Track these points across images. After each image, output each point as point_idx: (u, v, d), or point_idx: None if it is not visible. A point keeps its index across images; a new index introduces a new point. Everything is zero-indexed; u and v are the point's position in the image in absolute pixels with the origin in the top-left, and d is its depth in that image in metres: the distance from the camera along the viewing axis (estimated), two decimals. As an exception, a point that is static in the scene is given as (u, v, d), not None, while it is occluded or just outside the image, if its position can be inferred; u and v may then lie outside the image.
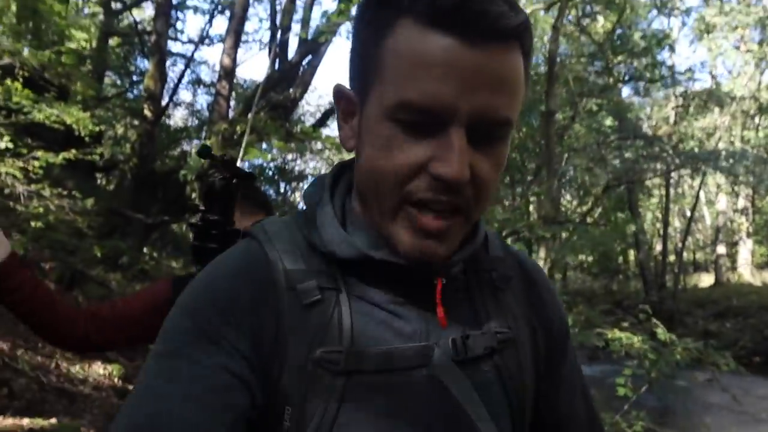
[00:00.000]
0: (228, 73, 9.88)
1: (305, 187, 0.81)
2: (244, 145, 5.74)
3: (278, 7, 11.70)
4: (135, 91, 13.89)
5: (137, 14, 15.17)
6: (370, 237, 0.70)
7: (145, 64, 15.19)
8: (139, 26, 15.02)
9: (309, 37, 9.47)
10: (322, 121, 13.05)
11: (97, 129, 7.72)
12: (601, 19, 15.82)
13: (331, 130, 15.02)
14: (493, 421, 0.68)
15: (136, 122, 9.71)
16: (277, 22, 11.14)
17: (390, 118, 0.62)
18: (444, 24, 0.59)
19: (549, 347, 0.82)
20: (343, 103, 0.71)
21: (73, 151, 7.21)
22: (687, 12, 16.52)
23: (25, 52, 6.84)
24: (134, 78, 14.80)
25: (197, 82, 14.05)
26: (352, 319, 0.67)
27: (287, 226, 0.74)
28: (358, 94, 0.68)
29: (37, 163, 6.77)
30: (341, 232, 0.69)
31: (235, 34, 9.82)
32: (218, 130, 9.69)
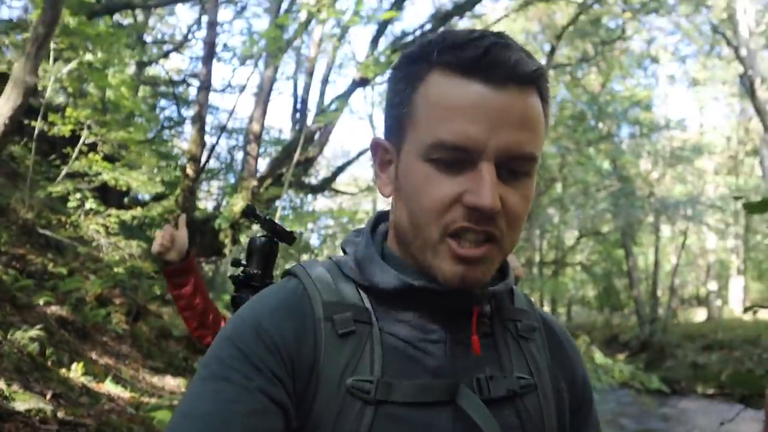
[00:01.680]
0: (257, 137, 12.16)
1: (346, 236, 0.91)
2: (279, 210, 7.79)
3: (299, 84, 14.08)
4: (165, 136, 16.03)
5: (165, 64, 17.59)
6: (408, 271, 0.77)
7: (173, 109, 17.47)
8: (168, 74, 17.32)
9: (320, 111, 11.79)
10: (333, 177, 15.30)
11: (155, 191, 9.97)
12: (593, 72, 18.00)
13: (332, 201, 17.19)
14: None
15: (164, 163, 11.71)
16: (298, 94, 13.53)
17: (426, 158, 0.71)
18: (470, 72, 0.69)
19: (574, 404, 0.86)
20: (380, 154, 0.81)
21: (139, 209, 9.46)
22: (682, 59, 18.55)
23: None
24: (163, 124, 17.05)
25: (232, 148, 16.35)
26: (383, 353, 0.73)
27: (326, 266, 0.82)
28: (395, 143, 0.77)
29: (113, 220, 8.99)
30: (384, 266, 0.77)
31: (263, 104, 12.14)
32: (248, 186, 11.91)
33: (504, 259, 0.79)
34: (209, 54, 11.42)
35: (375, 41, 11.70)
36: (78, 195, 8.67)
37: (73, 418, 3.22)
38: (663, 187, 18.24)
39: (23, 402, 3.02)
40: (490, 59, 0.69)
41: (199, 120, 11.53)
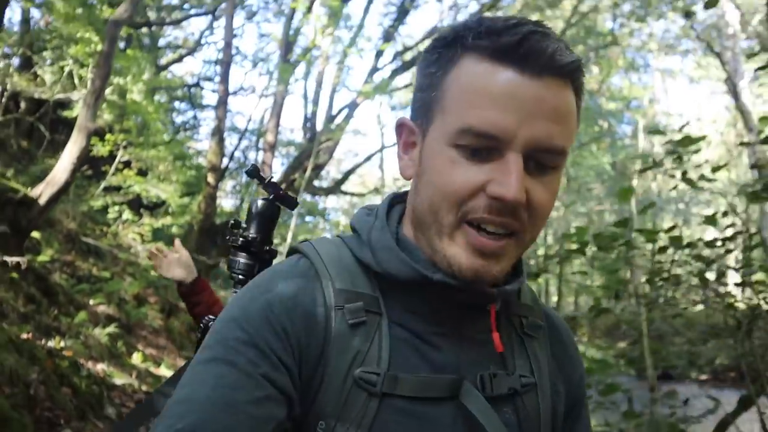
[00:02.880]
0: (271, 146, 13.61)
1: (356, 212, 0.88)
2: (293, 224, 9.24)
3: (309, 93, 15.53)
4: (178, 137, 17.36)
5: (179, 68, 18.92)
6: (424, 262, 0.76)
7: (188, 113, 18.88)
8: (181, 78, 18.65)
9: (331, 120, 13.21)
10: (343, 180, 16.73)
11: (183, 201, 11.49)
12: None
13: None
14: None
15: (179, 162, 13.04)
16: (308, 103, 14.98)
17: (452, 143, 0.70)
18: (506, 59, 0.68)
19: (568, 403, 0.88)
20: (405, 135, 0.80)
21: (169, 218, 10.97)
22: (685, 53, 19.55)
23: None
24: (178, 127, 18.43)
25: (245, 148, 17.82)
26: (390, 345, 0.73)
27: (336, 246, 0.81)
28: (421, 125, 0.76)
29: (147, 228, 10.49)
30: (401, 255, 0.76)
31: (276, 117, 13.57)
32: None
33: (522, 253, 0.78)
34: (225, 72, 12.85)
35: (373, 70, 13.09)
36: (116, 207, 10.19)
37: (152, 389, 4.70)
38: (662, 181, 19.37)
39: (119, 378, 4.45)
40: (526, 47, 0.68)
41: (218, 132, 12.97)
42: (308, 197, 16.38)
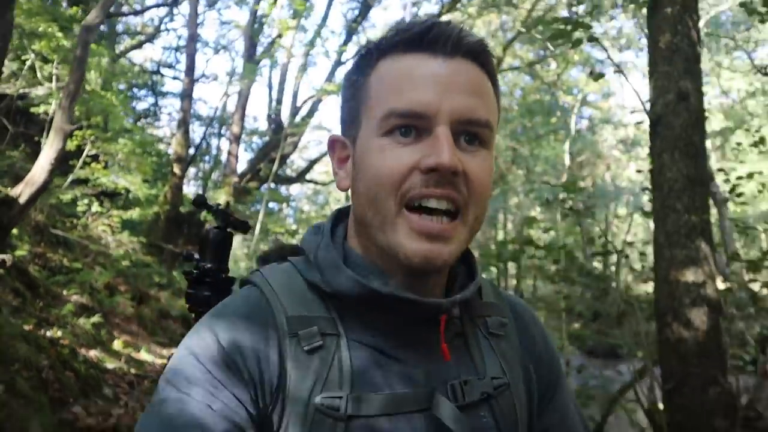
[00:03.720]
0: (237, 138, 14.11)
1: (305, 232, 0.88)
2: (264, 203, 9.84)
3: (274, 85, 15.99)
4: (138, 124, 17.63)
5: (138, 54, 19.08)
6: (373, 276, 0.77)
7: (149, 97, 19.11)
8: (140, 65, 18.81)
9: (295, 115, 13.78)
10: (307, 170, 17.31)
11: (151, 192, 11.97)
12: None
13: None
14: None
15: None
16: (273, 96, 15.48)
17: (381, 133, 0.74)
18: (418, 47, 0.75)
19: (542, 383, 0.90)
20: (338, 150, 0.83)
21: (137, 209, 11.44)
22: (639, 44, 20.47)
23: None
24: (136, 112, 18.61)
25: (208, 135, 18.21)
26: (352, 365, 0.73)
27: (286, 272, 0.81)
28: (350, 133, 0.80)
29: (116, 220, 10.96)
30: (348, 272, 0.76)
31: (242, 109, 14.07)
32: (230, 182, 13.91)
33: (470, 238, 0.78)
34: (190, 65, 13.27)
35: (336, 65, 13.68)
36: (85, 200, 10.63)
37: (141, 372, 5.31)
38: (622, 171, 20.45)
39: (110, 363, 5.06)
40: (434, 33, 0.74)
41: (183, 124, 13.41)
42: (273, 185, 16.94)
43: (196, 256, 1.14)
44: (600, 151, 19.43)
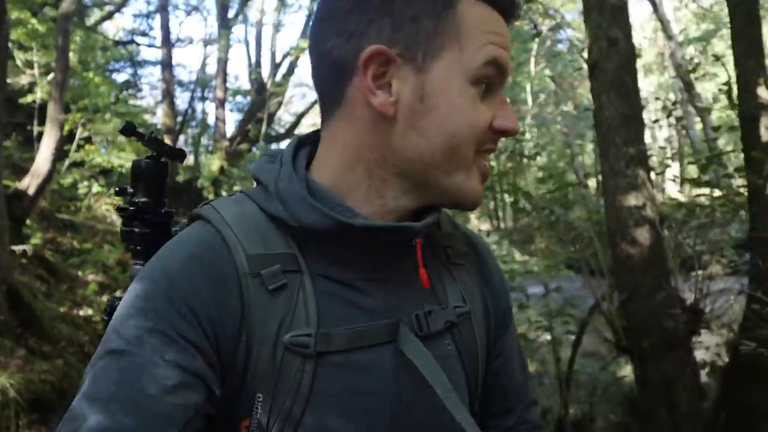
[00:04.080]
0: (222, 102, 14.41)
1: (257, 161, 0.83)
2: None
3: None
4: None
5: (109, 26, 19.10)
6: (340, 207, 0.74)
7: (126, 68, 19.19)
8: (116, 35, 18.83)
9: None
10: (295, 125, 17.62)
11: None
12: None
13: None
14: (455, 392, 0.75)
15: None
16: (251, 57, 15.65)
17: (474, 79, 0.72)
18: (495, 5, 0.75)
19: (496, 320, 0.92)
20: (377, 64, 0.72)
21: (136, 185, 11.85)
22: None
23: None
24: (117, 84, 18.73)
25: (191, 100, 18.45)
26: (317, 301, 0.72)
27: (240, 204, 0.77)
28: (410, 56, 0.72)
29: (117, 198, 11.41)
30: (315, 204, 0.72)
31: (223, 73, 14.30)
32: (221, 147, 14.29)
33: None
34: (166, 36, 13.46)
35: (308, 19, 13.79)
36: (85, 183, 11.06)
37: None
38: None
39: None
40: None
41: (168, 95, 13.71)
42: (264, 144, 17.31)
43: (130, 190, 1.04)
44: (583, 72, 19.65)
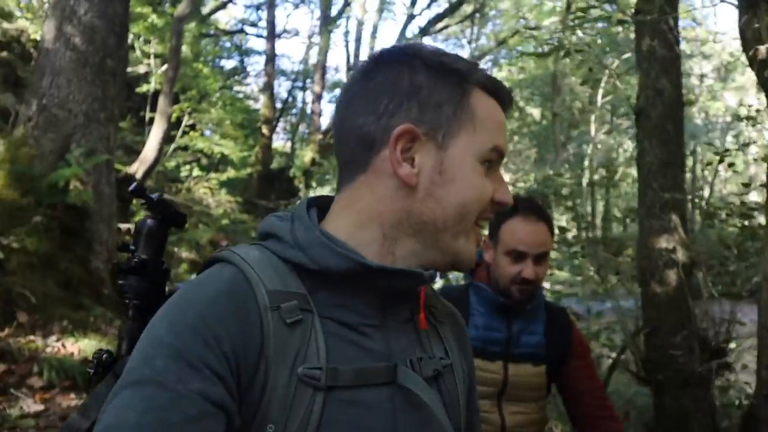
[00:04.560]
0: (318, 97, 15.19)
1: (265, 222, 0.90)
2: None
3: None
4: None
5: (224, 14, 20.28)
6: (356, 253, 0.82)
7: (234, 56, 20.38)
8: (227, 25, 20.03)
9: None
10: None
11: (244, 154, 13.34)
12: None
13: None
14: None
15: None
16: (350, 54, 16.33)
17: (483, 159, 0.85)
18: (496, 96, 0.89)
19: (468, 380, 1.01)
20: (405, 141, 0.84)
21: (231, 170, 12.86)
22: None
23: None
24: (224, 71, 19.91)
25: (291, 89, 19.42)
26: (325, 339, 0.78)
27: (258, 250, 0.83)
28: (432, 129, 0.85)
29: (214, 182, 12.41)
30: (337, 248, 0.80)
31: (322, 69, 15.06)
32: (315, 140, 15.08)
33: None
34: (271, 32, 14.33)
35: (410, 18, 14.27)
36: (187, 166, 12.12)
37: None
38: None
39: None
40: (502, 90, 0.90)
41: (268, 88, 14.62)
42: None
43: (131, 247, 1.09)
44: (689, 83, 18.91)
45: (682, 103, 3.75)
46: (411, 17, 14.58)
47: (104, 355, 0.89)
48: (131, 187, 1.07)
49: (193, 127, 12.43)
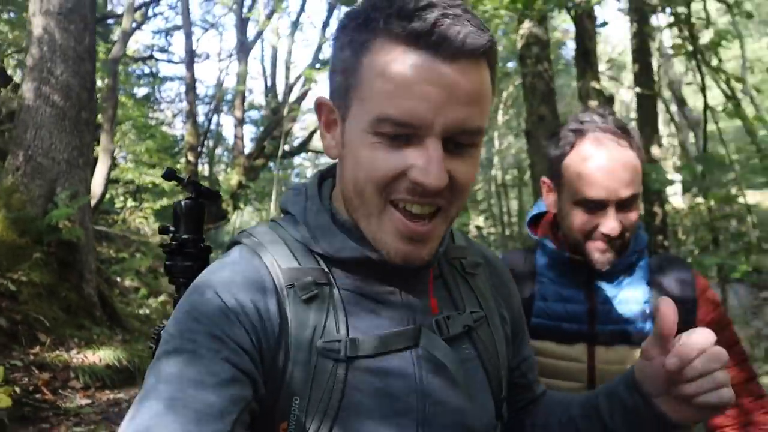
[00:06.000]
0: (240, 121, 16.07)
1: (285, 194, 0.94)
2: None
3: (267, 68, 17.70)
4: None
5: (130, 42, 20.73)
6: (361, 240, 0.83)
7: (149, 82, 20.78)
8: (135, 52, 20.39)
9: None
10: (308, 140, 19.28)
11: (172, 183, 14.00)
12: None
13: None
14: (477, 392, 0.87)
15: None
16: (267, 78, 17.35)
17: (372, 131, 0.75)
18: (417, 45, 0.72)
19: (513, 328, 1.01)
20: (325, 114, 0.84)
21: (165, 200, 13.54)
22: None
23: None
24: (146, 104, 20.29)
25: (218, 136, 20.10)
26: (345, 311, 0.80)
27: (273, 230, 0.87)
28: (339, 107, 0.81)
29: (149, 211, 13.07)
30: (340, 236, 0.83)
31: (241, 94, 15.96)
32: (239, 163, 15.93)
33: (451, 224, 0.85)
34: (190, 60, 15.12)
35: (319, 48, 15.46)
36: (121, 198, 12.73)
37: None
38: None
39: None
40: (438, 33, 0.70)
41: (191, 116, 15.37)
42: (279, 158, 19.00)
43: (172, 228, 1.15)
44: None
45: (559, 126, 5.10)
46: (320, 46, 15.75)
47: (162, 331, 0.97)
48: (164, 173, 1.17)
49: (123, 158, 13.07)
